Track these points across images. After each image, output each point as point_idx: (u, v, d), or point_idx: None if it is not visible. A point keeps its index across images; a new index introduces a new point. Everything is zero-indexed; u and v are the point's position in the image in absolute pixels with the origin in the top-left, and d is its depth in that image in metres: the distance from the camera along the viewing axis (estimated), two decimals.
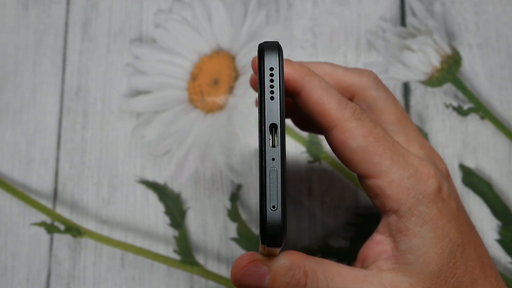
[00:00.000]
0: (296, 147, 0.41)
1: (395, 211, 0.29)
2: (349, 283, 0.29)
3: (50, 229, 0.41)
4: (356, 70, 0.34)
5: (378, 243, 0.31)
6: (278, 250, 0.26)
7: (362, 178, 0.30)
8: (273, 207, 0.25)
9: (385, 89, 0.34)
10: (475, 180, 0.40)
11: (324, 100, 0.29)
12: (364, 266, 0.31)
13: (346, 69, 0.34)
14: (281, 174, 0.25)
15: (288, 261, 0.29)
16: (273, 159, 0.26)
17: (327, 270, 0.30)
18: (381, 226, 0.31)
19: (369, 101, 0.33)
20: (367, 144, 0.29)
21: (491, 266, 0.32)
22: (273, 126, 0.26)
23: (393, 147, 0.30)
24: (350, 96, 0.34)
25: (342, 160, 0.30)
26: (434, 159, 0.33)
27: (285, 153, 0.26)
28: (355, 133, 0.29)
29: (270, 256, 0.28)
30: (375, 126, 0.30)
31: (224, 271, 0.39)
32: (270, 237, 0.25)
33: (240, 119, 0.42)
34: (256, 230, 0.40)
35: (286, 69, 0.28)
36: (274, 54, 0.26)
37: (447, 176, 0.33)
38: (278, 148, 0.26)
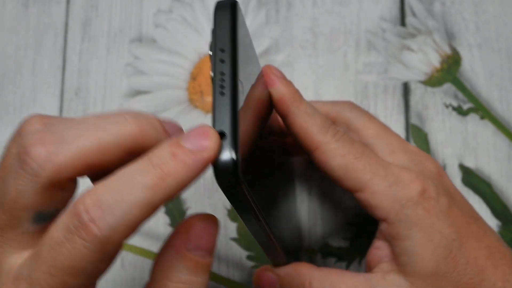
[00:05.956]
0: None
1: (384, 219, 0.31)
2: None
3: None
4: (333, 101, 0.36)
5: (379, 248, 0.32)
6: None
7: (350, 192, 0.32)
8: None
9: (360, 109, 0.36)
10: (475, 180, 0.40)
11: (307, 125, 0.31)
12: (370, 271, 0.32)
13: (324, 102, 0.36)
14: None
15: (292, 269, 0.32)
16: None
17: (331, 279, 0.31)
18: (378, 233, 0.32)
19: (346, 122, 0.35)
20: (346, 162, 0.31)
21: (503, 254, 0.32)
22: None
23: (373, 161, 0.31)
24: None
25: (329, 178, 0.32)
26: (421, 160, 0.34)
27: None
28: (335, 153, 0.31)
29: (280, 266, 0.29)
30: (353, 145, 0.31)
31: (224, 271, 0.39)
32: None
33: None
34: None
35: (282, 88, 0.29)
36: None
37: (437, 174, 0.34)
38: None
